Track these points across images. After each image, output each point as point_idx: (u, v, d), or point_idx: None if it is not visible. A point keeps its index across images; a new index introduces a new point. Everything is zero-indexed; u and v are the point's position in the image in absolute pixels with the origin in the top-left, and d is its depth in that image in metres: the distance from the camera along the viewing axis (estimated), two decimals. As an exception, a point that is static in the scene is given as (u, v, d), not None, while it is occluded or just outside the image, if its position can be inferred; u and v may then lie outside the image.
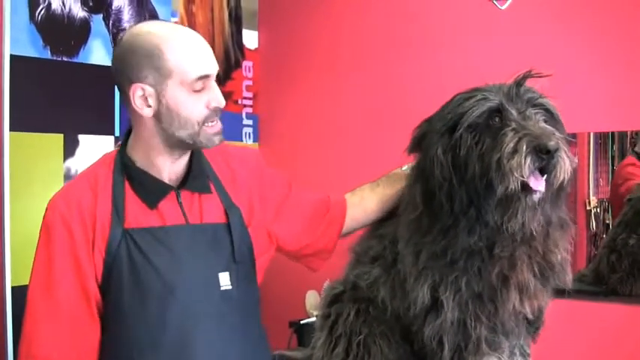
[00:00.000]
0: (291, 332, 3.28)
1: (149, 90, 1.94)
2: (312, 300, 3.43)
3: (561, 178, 1.67)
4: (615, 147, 2.99)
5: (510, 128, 1.68)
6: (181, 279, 1.97)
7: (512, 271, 1.78)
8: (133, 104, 1.96)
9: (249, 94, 4.28)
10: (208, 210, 2.07)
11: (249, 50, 4.30)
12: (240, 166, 2.21)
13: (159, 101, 1.95)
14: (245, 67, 4.27)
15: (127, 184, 2.01)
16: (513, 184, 1.65)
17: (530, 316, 1.86)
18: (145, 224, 1.98)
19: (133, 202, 1.99)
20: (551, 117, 1.77)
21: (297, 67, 4.12)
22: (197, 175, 2.08)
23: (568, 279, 1.87)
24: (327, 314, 2.12)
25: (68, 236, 1.92)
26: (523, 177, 1.64)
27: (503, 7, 3.21)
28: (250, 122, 4.29)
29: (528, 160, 1.64)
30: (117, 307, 1.94)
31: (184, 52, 1.95)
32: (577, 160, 2.94)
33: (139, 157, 2.03)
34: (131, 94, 1.95)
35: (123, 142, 2.08)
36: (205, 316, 1.98)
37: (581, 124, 2.92)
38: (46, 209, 1.98)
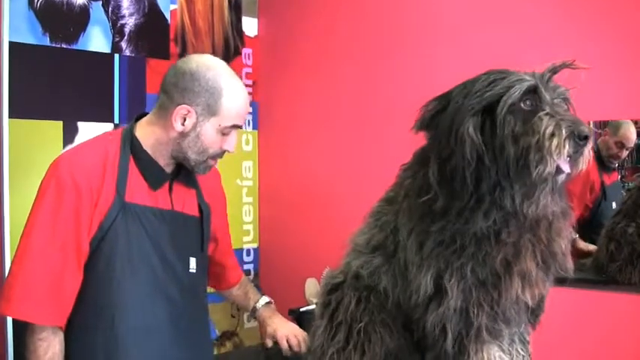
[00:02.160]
0: (291, 320, 3.27)
1: (193, 114, 2.29)
2: (312, 288, 3.43)
3: (581, 167, 1.68)
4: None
5: (545, 112, 1.68)
6: (165, 255, 2.33)
7: (516, 258, 1.77)
8: (171, 117, 2.29)
9: (249, 82, 4.28)
10: (188, 202, 2.46)
11: (249, 37, 4.30)
12: (212, 178, 2.61)
13: (193, 127, 2.30)
14: (245, 54, 4.27)
15: (131, 163, 2.31)
16: (551, 167, 1.65)
17: (530, 304, 1.86)
18: (142, 201, 2.30)
19: (135, 179, 2.31)
20: (569, 107, 1.77)
21: (297, 55, 4.11)
22: (187, 172, 2.44)
23: (570, 267, 1.88)
24: (327, 302, 2.12)
25: (76, 199, 2.19)
26: (561, 160, 1.65)
27: (505, -4, 3.20)
28: (250, 109, 4.28)
29: (567, 144, 1.64)
30: (108, 264, 2.25)
31: (237, 104, 2.34)
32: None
33: (147, 144, 2.34)
34: (177, 109, 2.28)
35: (132, 124, 2.39)
36: (181, 290, 2.37)
37: (581, 112, 2.91)
38: (60, 165, 2.24)
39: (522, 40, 3.10)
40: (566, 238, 1.86)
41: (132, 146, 2.32)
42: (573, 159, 1.68)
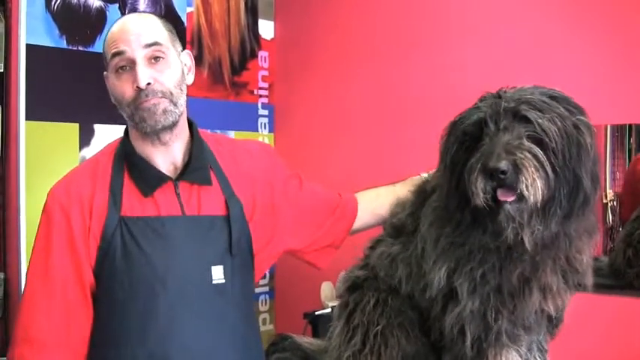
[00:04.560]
0: (306, 323, 3.27)
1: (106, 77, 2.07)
2: (327, 291, 3.42)
3: (531, 199, 1.64)
4: (632, 140, 2.97)
5: (484, 143, 1.68)
6: (172, 270, 1.98)
7: (534, 274, 1.77)
8: None
9: (265, 85, 4.29)
10: (207, 202, 2.08)
11: (265, 40, 4.30)
12: (247, 159, 2.24)
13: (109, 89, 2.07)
14: (261, 57, 4.27)
15: (126, 172, 2.05)
16: (477, 200, 1.66)
17: (553, 313, 1.86)
18: (140, 213, 2.00)
19: (130, 190, 2.02)
20: (535, 128, 1.69)
21: (313, 57, 4.11)
22: (196, 167, 2.09)
23: (589, 281, 1.87)
24: (345, 303, 2.13)
25: (66, 224, 1.97)
26: (482, 194, 1.64)
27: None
28: (266, 112, 4.29)
29: (479, 178, 1.64)
30: (108, 293, 1.98)
31: (109, 35, 2.04)
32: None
33: (136, 145, 2.08)
34: None
35: (125, 130, 2.13)
36: (194, 309, 1.99)
37: (598, 116, 2.88)
38: (47, 196, 2.03)
39: (549, 39, 3.08)
40: (588, 255, 1.85)
41: (126, 153, 2.07)
42: (516, 188, 1.65)
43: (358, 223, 2.39)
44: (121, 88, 2.00)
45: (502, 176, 1.61)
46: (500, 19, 3.27)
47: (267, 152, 2.35)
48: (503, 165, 1.61)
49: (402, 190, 2.30)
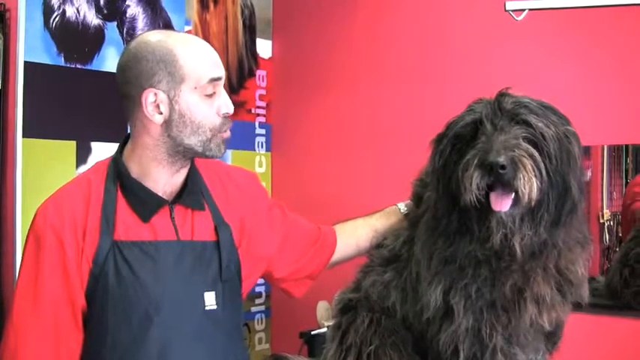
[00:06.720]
0: (302, 343, 3.26)
1: (162, 96, 1.94)
2: (323, 311, 3.41)
3: (525, 198, 1.65)
4: (629, 160, 2.98)
5: (479, 141, 1.69)
6: (166, 296, 1.94)
7: (526, 284, 1.77)
8: (144, 111, 1.95)
9: (263, 104, 4.29)
10: (199, 227, 2.05)
11: (263, 59, 4.31)
12: (234, 187, 2.22)
13: (171, 107, 1.94)
14: (259, 76, 4.27)
15: (119, 194, 1.99)
16: (468, 197, 1.66)
17: (547, 327, 1.85)
18: (135, 237, 1.96)
19: (124, 213, 1.97)
20: (534, 132, 1.71)
21: (311, 77, 4.12)
22: (192, 191, 2.07)
23: (585, 294, 1.87)
24: (338, 324, 2.12)
25: (58, 247, 1.91)
26: (476, 190, 1.64)
27: (519, 19, 3.20)
28: (263, 131, 4.29)
29: (476, 173, 1.64)
30: (100, 317, 1.93)
31: (197, 56, 1.96)
32: (590, 174, 2.95)
33: (135, 167, 2.02)
34: (143, 100, 1.94)
35: (118, 150, 2.07)
36: (186, 335, 1.96)
37: (595, 136, 2.90)
38: (36, 215, 1.97)
39: (549, 60, 3.09)
40: (581, 267, 1.85)
41: (119, 174, 2.00)
42: (513, 189, 1.66)
43: (336, 256, 2.40)
44: (206, 113, 1.98)
45: (501, 171, 1.62)
46: (500, 44, 3.28)
47: (252, 180, 2.34)
48: (503, 159, 1.61)
49: (380, 222, 2.36)
